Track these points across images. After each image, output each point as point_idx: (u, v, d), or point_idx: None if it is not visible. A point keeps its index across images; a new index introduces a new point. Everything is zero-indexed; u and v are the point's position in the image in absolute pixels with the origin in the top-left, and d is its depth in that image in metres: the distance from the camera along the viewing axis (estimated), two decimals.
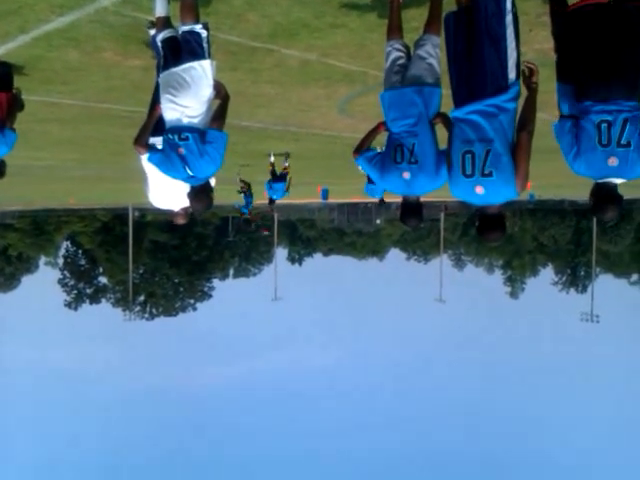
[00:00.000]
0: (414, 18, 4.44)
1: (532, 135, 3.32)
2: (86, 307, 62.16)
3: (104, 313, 59.02)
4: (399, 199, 4.01)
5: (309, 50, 5.81)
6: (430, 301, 51.88)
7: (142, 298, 63.29)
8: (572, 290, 70.12)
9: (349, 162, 4.61)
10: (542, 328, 54.11)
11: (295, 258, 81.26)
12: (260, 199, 18.76)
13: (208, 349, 52.20)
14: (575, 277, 71.62)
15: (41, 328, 52.17)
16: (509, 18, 3.28)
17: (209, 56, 3.89)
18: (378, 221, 78.48)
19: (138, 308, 61.62)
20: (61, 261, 67.69)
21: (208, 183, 4.10)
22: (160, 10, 4.06)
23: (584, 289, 67.14)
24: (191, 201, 4.09)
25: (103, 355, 50.25)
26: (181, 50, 3.89)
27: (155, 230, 64.76)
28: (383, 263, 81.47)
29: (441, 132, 3.77)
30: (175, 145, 3.88)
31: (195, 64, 3.82)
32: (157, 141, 4.09)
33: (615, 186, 3.36)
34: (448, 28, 3.54)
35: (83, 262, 67.27)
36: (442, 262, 58.08)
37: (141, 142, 4.09)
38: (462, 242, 77.87)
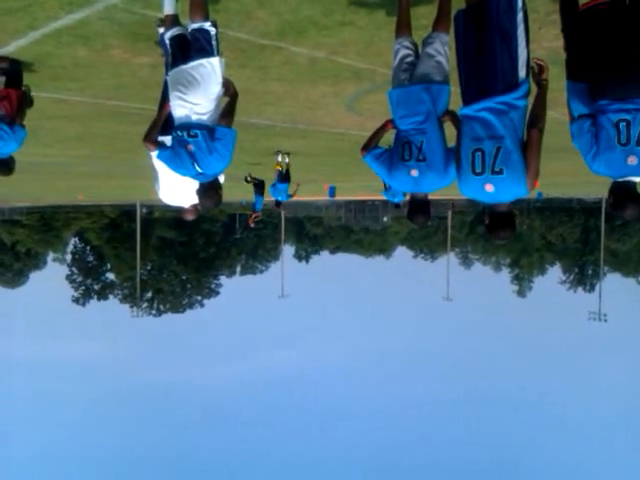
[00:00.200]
0: (423, 16, 4.42)
1: (542, 132, 3.31)
2: (94, 303, 62.54)
3: (112, 309, 59.32)
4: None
5: (317, 48, 5.81)
6: (437, 299, 51.85)
7: (149, 294, 63.56)
8: (580, 289, 69.92)
9: (356, 160, 4.60)
10: (550, 327, 53.96)
11: (302, 255, 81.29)
12: (267, 197, 18.73)
13: (215, 346, 52.35)
14: (583, 276, 71.37)
15: (49, 324, 52.45)
16: (520, 16, 3.26)
17: (218, 53, 3.90)
18: (385, 219, 78.42)
19: (145, 304, 61.90)
20: (69, 257, 68.10)
21: (217, 180, 4.10)
22: (168, 8, 4.08)
23: (592, 288, 66.92)
24: (200, 198, 4.09)
25: (110, 351, 50.48)
26: (190, 48, 3.90)
27: (163, 227, 64.97)
28: (390, 261, 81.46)
29: (449, 130, 3.76)
30: (184, 142, 3.89)
31: (204, 61, 3.82)
32: (166, 139, 4.10)
33: (634, 185, 3.34)
34: (458, 26, 3.52)
35: (91, 258, 67.59)
36: (449, 260, 57.99)
37: (150, 139, 4.10)
38: (469, 240, 77.69)
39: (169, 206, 4.89)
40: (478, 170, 3.34)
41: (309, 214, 79.57)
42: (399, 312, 59.09)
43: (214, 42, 3.86)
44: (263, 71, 6.75)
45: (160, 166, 4.40)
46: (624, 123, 3.18)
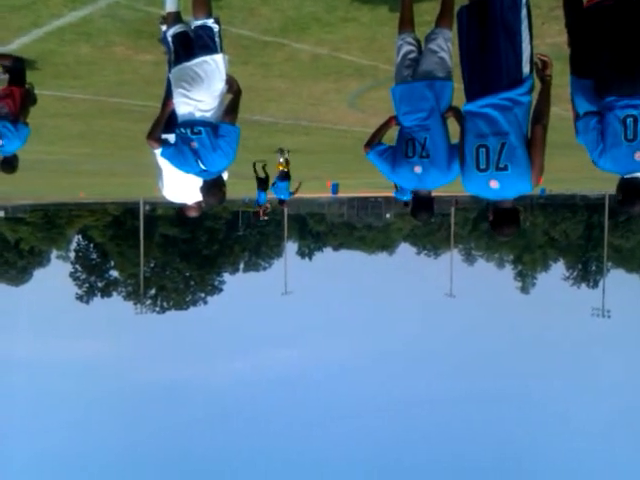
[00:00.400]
0: (426, 12, 4.42)
1: (547, 128, 3.29)
2: (97, 300, 62.73)
3: (115, 306, 59.47)
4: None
5: (320, 44, 5.80)
6: (440, 296, 51.85)
7: (153, 292, 63.66)
8: (583, 285, 69.86)
9: (359, 156, 4.60)
10: (553, 323, 53.93)
11: (305, 252, 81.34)
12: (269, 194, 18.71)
13: (218, 343, 52.46)
14: (586, 272, 71.28)
15: (53, 321, 52.58)
16: (524, 12, 3.25)
17: (221, 50, 3.89)
18: (388, 215, 78.41)
19: (149, 302, 62.01)
20: (73, 255, 68.22)
21: (221, 177, 4.10)
22: (170, 5, 4.08)
23: (595, 284, 66.88)
24: (204, 195, 4.09)
25: (114, 348, 50.59)
26: (193, 45, 3.90)
27: (166, 224, 65.06)
28: (393, 258, 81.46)
29: (453, 126, 3.76)
30: (188, 139, 3.89)
31: (208, 58, 3.82)
32: (170, 137, 4.10)
33: None
34: (461, 22, 3.51)
35: (94, 256, 67.72)
36: (452, 257, 58.01)
37: (154, 137, 4.10)
38: (472, 237, 77.66)
39: (172, 203, 4.89)
40: (482, 166, 3.32)
41: (312, 211, 79.61)
42: (402, 309, 59.17)
43: (217, 39, 3.86)
44: (266, 68, 6.74)
45: (164, 163, 4.40)
46: (631, 119, 3.16)
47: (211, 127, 3.87)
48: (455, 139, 3.68)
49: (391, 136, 4.02)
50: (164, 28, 4.28)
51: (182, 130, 3.91)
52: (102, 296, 63.32)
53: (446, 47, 3.84)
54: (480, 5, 3.35)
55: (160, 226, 65.91)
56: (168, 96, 4.19)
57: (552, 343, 51.47)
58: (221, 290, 66.68)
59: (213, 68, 3.85)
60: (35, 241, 64.33)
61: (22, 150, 6.05)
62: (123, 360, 49.28)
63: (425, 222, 4.16)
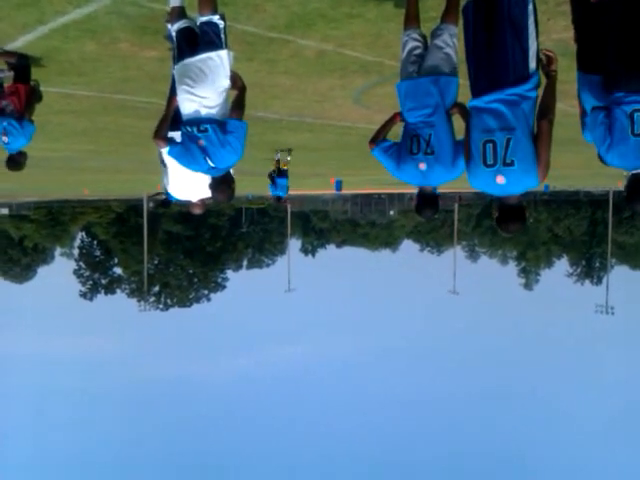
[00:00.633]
0: (432, 8, 4.41)
1: (553, 123, 3.28)
2: (101, 297, 62.85)
3: (119, 304, 59.59)
4: (415, 190, 3.99)
5: (325, 40, 5.79)
6: (444, 293, 51.85)
7: (157, 289, 63.80)
8: (587, 282, 69.80)
9: (363, 153, 4.60)
10: (556, 320, 53.88)
11: (308, 249, 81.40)
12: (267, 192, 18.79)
13: (222, 340, 52.52)
14: (590, 268, 71.22)
15: (57, 319, 52.69)
16: (531, 7, 3.24)
17: (226, 47, 3.87)
18: (391, 212, 78.44)
19: (153, 299, 62.11)
20: (76, 252, 68.39)
21: (229, 173, 4.07)
22: (174, 0, 4.07)
23: (599, 281, 66.81)
24: (213, 192, 4.06)
25: (118, 346, 50.70)
26: (197, 41, 3.88)
27: (170, 221, 65.15)
28: (396, 254, 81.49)
29: (458, 123, 3.75)
30: (194, 137, 3.86)
31: (212, 54, 3.80)
32: (176, 135, 4.07)
33: None
34: (467, 17, 3.49)
35: (98, 253, 67.87)
36: (455, 253, 57.97)
37: (160, 135, 4.07)
38: (476, 233, 77.62)
39: (177, 200, 4.90)
40: (490, 162, 3.30)
41: (315, 208, 79.67)
42: (405, 306, 59.18)
43: (223, 35, 3.84)
44: (271, 64, 6.74)
45: (170, 161, 4.39)
46: (639, 113, 3.15)
47: (218, 124, 3.84)
48: (460, 135, 3.67)
49: (397, 132, 4.02)
50: (170, 26, 4.27)
51: (188, 128, 3.89)
52: (106, 293, 63.48)
53: (452, 43, 3.83)
54: (486, 1, 3.34)
55: (164, 223, 66.01)
56: (173, 92, 4.18)
57: (556, 340, 51.44)
58: (224, 287, 66.85)
59: (217, 64, 3.82)
60: (39, 238, 64.51)
61: (27, 147, 6.06)
62: (127, 357, 49.39)
63: (430, 219, 4.15)
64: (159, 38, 5.45)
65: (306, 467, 38.49)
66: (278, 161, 16.84)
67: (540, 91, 3.34)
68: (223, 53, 3.84)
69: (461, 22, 3.62)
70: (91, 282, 64.47)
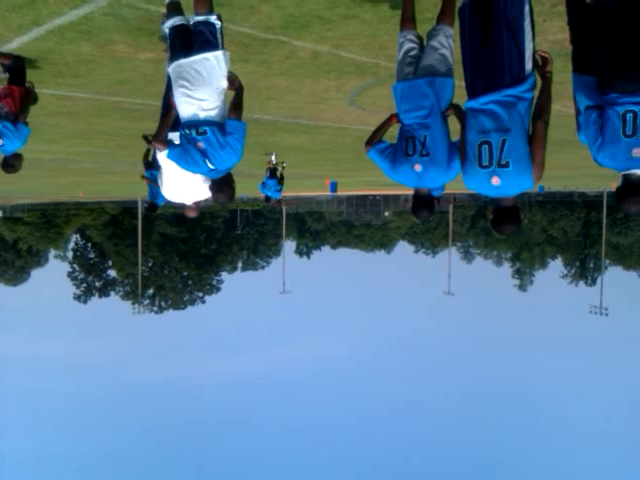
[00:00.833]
0: (428, 9, 4.42)
1: (548, 124, 3.29)
2: (95, 300, 62.69)
3: (113, 306, 59.48)
4: (410, 191, 3.99)
5: (321, 42, 5.79)
6: (438, 294, 51.86)
7: (151, 291, 63.64)
8: (581, 283, 70.02)
9: (358, 154, 4.61)
10: (551, 321, 54.03)
11: (303, 251, 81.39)
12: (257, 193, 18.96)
13: (216, 342, 52.47)
14: (584, 269, 71.41)
15: (51, 321, 52.55)
16: (527, 8, 3.25)
17: (222, 47, 3.85)
18: (386, 213, 78.46)
19: (147, 301, 61.99)
20: (70, 254, 68.17)
21: (230, 174, 4.07)
22: None
23: (593, 282, 67.02)
24: (213, 193, 4.05)
25: (112, 348, 50.58)
26: (192, 40, 3.83)
27: (164, 223, 65.00)
28: (391, 256, 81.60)
29: (453, 124, 3.75)
30: (193, 140, 3.84)
31: (209, 55, 3.76)
32: (174, 136, 4.06)
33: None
34: (463, 18, 3.50)
35: (92, 255, 67.66)
36: (450, 254, 57.92)
37: (159, 139, 4.06)
38: (471, 234, 77.76)
39: (171, 202, 4.88)
40: (485, 163, 3.32)
41: (310, 209, 79.58)
42: (400, 307, 59.23)
43: (219, 35, 3.82)
44: (266, 65, 6.73)
45: (164, 163, 4.37)
46: (631, 114, 3.16)
47: (216, 125, 3.82)
48: (455, 137, 3.68)
49: (392, 134, 4.03)
50: (164, 23, 4.24)
51: (186, 131, 3.86)
52: (100, 296, 63.32)
53: (447, 44, 3.83)
54: (482, 1, 3.35)
55: (158, 225, 65.83)
56: (169, 93, 4.15)
57: (550, 341, 51.60)
58: (219, 289, 66.75)
59: (214, 65, 3.79)
60: (33, 241, 64.24)
61: (21, 149, 6.03)
62: (121, 360, 49.34)
63: (425, 220, 4.16)
64: (155, 40, 5.44)
65: (300, 468, 38.47)
66: (269, 162, 17.09)
67: (536, 92, 3.36)
68: (220, 54, 3.81)
69: (457, 23, 3.62)
70: (85, 285, 64.29)
